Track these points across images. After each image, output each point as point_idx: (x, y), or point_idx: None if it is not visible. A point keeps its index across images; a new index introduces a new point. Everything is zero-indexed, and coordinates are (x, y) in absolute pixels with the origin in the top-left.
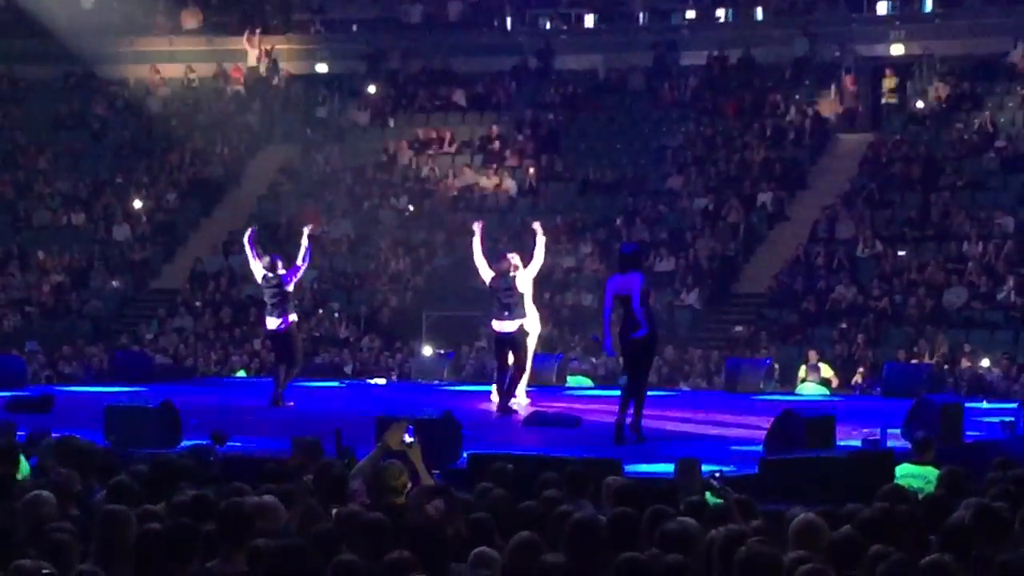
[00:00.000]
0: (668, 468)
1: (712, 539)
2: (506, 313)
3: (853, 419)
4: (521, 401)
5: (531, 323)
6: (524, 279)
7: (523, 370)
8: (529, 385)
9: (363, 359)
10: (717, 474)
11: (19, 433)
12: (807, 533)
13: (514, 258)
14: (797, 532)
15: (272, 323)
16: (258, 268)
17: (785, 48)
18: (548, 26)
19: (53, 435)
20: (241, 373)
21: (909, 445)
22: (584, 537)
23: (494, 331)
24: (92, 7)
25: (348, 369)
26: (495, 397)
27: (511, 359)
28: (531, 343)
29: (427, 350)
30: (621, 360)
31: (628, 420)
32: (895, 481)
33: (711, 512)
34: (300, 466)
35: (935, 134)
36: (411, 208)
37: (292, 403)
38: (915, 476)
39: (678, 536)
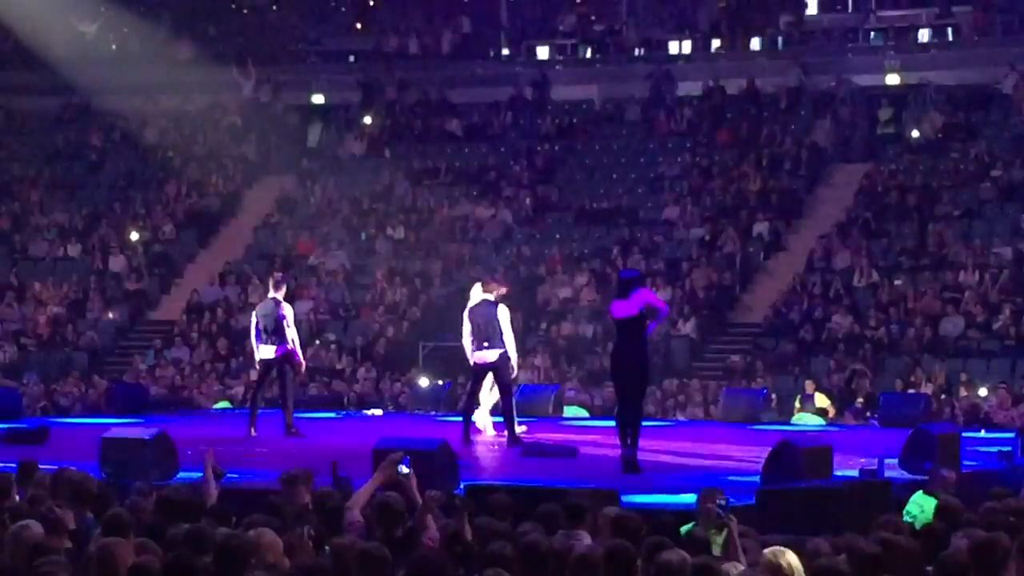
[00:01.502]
0: (665, 499)
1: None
2: (485, 344)
3: (851, 449)
4: (488, 431)
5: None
6: (503, 313)
7: (509, 397)
8: (526, 416)
9: (359, 390)
10: (722, 502)
11: (9, 464)
12: (777, 566)
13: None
14: (766, 565)
15: (267, 351)
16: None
17: (781, 78)
18: (544, 57)
19: (42, 468)
20: (223, 404)
21: (907, 475)
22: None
23: (474, 363)
24: (88, 39)
25: (344, 400)
26: (488, 429)
27: (491, 387)
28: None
29: (423, 381)
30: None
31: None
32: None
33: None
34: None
35: (931, 163)
36: (410, 235)
37: (305, 434)
38: (916, 503)
39: (674, 568)
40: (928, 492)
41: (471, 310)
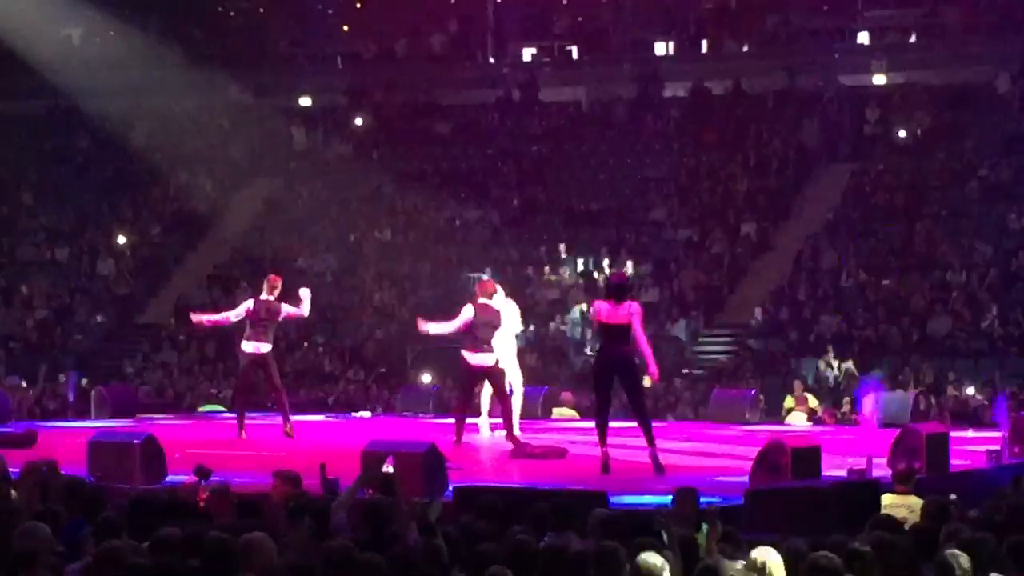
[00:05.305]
0: (654, 500)
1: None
2: (485, 346)
3: (839, 449)
4: (484, 433)
5: (505, 357)
6: (510, 312)
7: (507, 402)
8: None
9: (348, 392)
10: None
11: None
12: (763, 566)
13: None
14: (752, 565)
15: (262, 347)
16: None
17: (768, 78)
18: (531, 58)
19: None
20: (211, 407)
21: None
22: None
23: (469, 364)
24: (75, 42)
25: (332, 402)
26: (485, 430)
27: (485, 394)
28: (514, 375)
29: (426, 377)
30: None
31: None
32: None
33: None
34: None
35: (918, 163)
36: (398, 237)
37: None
38: (899, 506)
39: (650, 570)
40: (900, 492)
41: (476, 308)
